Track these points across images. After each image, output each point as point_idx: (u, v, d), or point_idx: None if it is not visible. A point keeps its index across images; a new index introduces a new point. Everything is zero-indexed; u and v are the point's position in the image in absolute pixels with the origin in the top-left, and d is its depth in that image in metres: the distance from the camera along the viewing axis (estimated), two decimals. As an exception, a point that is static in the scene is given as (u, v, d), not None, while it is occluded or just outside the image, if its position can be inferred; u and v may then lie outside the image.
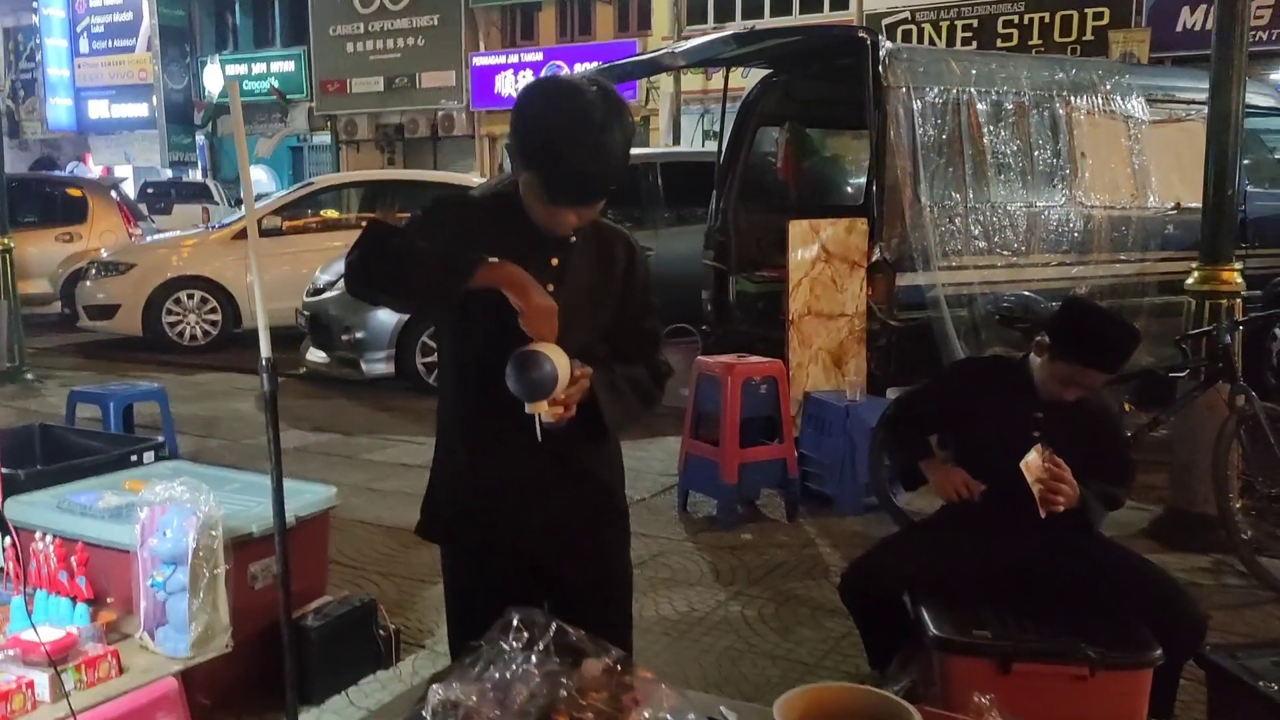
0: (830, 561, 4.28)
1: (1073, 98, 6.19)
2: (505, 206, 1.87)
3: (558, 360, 1.72)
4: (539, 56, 22.26)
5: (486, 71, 23.17)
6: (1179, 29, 16.76)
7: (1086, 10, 17.41)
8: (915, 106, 5.63)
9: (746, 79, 7.32)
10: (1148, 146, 6.43)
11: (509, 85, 22.75)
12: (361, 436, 6.55)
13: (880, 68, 5.52)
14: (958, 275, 5.74)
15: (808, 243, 5.20)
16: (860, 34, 5.58)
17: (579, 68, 20.97)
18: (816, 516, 4.86)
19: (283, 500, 2.63)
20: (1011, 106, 5.98)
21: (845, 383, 5.10)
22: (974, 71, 5.92)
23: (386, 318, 7.51)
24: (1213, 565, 4.16)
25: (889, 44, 5.67)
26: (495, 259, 1.74)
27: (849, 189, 7.78)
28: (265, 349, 2.59)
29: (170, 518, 2.71)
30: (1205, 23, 16.61)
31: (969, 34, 17.23)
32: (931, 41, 17.29)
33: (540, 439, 1.76)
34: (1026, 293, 6.02)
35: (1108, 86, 6.34)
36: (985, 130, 5.85)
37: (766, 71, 7.02)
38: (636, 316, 2.00)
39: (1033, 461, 2.53)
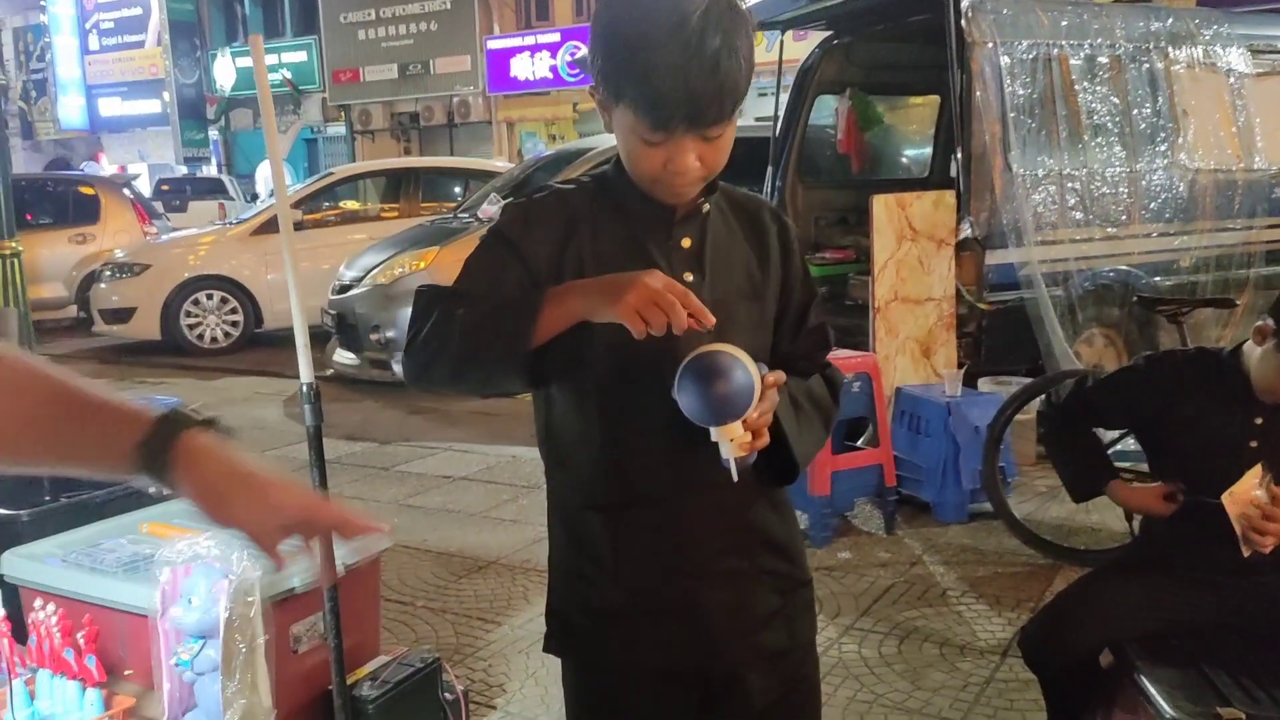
0: (945, 583, 3.75)
1: (1171, 49, 5.60)
2: (605, 187, 1.39)
3: (745, 361, 1.22)
4: (556, 37, 21.67)
5: (502, 55, 22.61)
6: (1225, -16, 16.01)
7: (1127, -33, 16.68)
8: (1003, 63, 5.05)
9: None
10: (1252, 102, 5.83)
11: (525, 68, 22.21)
12: (397, 445, 6.06)
13: (964, 21, 4.95)
14: (1052, 251, 5.18)
15: (893, 220, 4.64)
16: (939, -15, 5.00)
17: (598, 47, 20.41)
18: (915, 526, 4.33)
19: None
20: (1106, 60, 5.40)
21: (942, 375, 4.55)
22: (1064, 23, 5.33)
23: (419, 314, 7.02)
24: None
25: (970, -6, 5.09)
26: (558, 287, 1.27)
27: (916, 161, 7.22)
28: (306, 373, 2.08)
29: (196, 581, 2.21)
30: (1254, -25, 15.88)
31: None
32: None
33: (736, 479, 1.25)
34: (1126, 267, 5.45)
35: (1207, 36, 5.73)
36: (1079, 88, 5.27)
37: (825, 35, 6.45)
38: (802, 309, 1.48)
39: (1239, 491, 2.01)
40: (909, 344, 4.77)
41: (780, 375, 1.28)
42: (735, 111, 1.28)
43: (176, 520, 2.92)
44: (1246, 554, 2.01)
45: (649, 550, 1.37)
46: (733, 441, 1.23)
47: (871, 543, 4.17)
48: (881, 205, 4.61)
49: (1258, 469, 2.03)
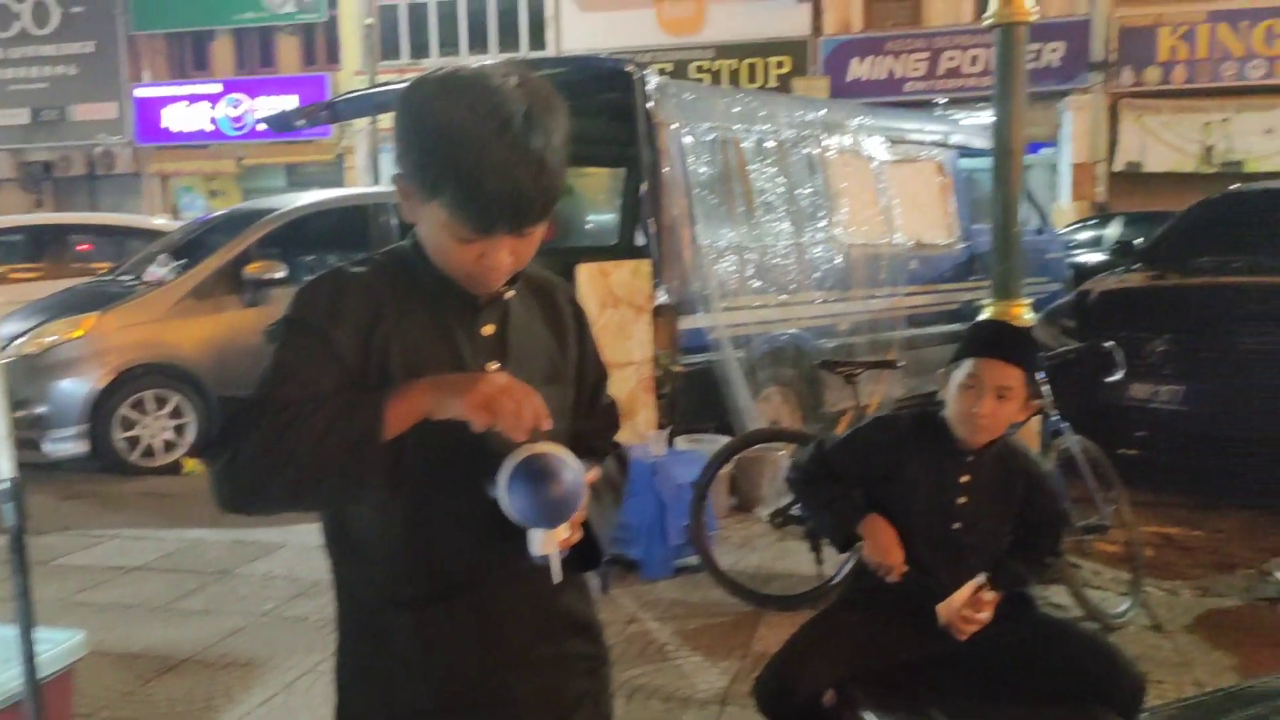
0: (661, 638, 3.89)
1: (824, 137, 6.27)
2: (406, 271, 1.35)
3: (572, 461, 1.24)
4: (217, 88, 20.60)
5: (152, 104, 21.14)
6: (849, 79, 18.22)
7: (770, 59, 18.53)
8: (686, 142, 5.43)
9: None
10: (891, 185, 6.65)
11: (181, 119, 20.89)
12: (54, 535, 5.38)
13: (650, 103, 5.26)
14: (735, 316, 5.59)
15: (596, 288, 4.82)
16: (627, 68, 5.30)
17: (265, 100, 19.59)
18: (626, 585, 4.45)
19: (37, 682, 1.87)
20: (773, 145, 5.95)
21: (646, 436, 4.75)
22: (737, 109, 5.84)
23: (75, 387, 6.33)
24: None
25: (656, 78, 5.44)
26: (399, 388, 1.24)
27: (605, 228, 7.53)
28: (6, 466, 1.83)
29: None
30: (872, 72, 18.21)
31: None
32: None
33: (559, 578, 1.27)
34: (796, 330, 5.98)
35: (853, 126, 6.49)
36: (752, 168, 5.77)
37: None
38: (595, 387, 1.52)
39: (955, 602, 2.30)
40: (613, 407, 4.93)
41: (597, 472, 1.31)
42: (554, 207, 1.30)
43: None
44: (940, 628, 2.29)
45: (460, 644, 1.34)
46: (550, 539, 1.24)
47: (588, 604, 4.24)
48: (585, 274, 4.77)
49: (975, 581, 2.30)
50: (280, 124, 7.07)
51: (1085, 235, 13.74)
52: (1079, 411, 4.21)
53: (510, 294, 1.38)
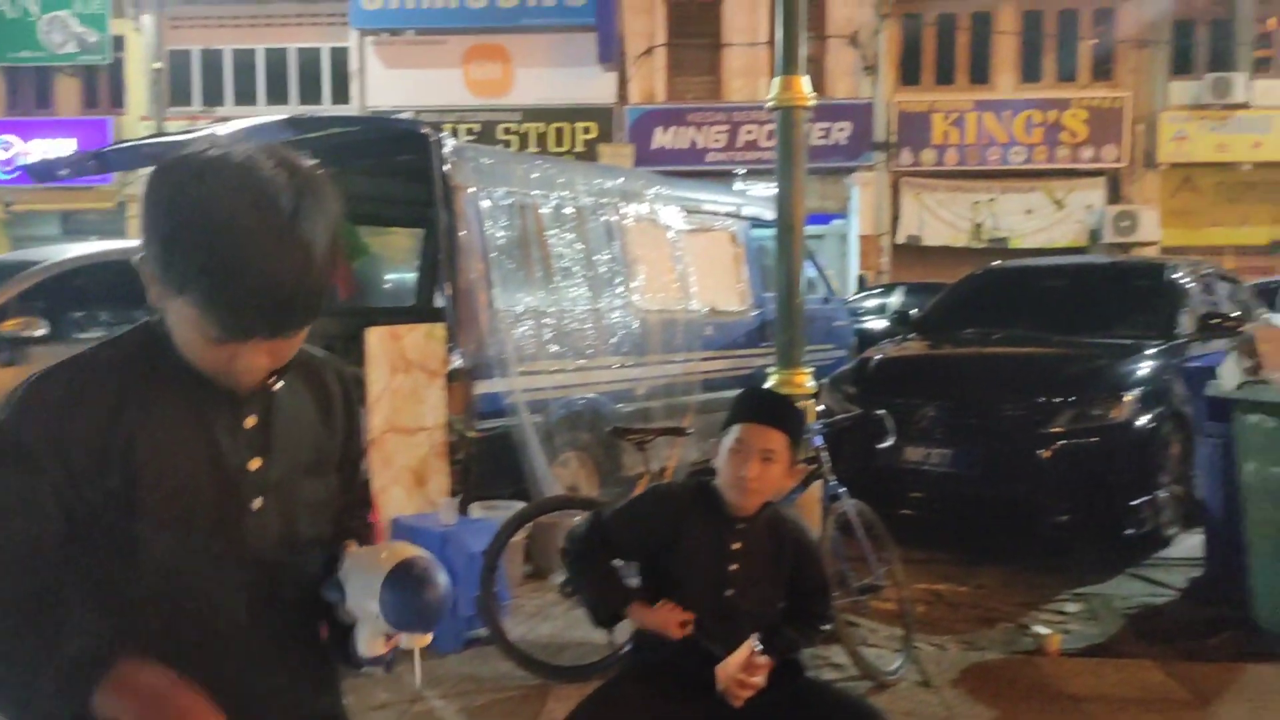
0: (446, 716, 3.76)
1: (621, 205, 6.40)
2: (156, 353, 1.23)
3: (434, 559, 1.26)
4: (-16, 129, 19.09)
5: (-93, 142, 19.35)
6: (653, 146, 18.77)
7: (577, 124, 18.86)
8: (484, 207, 5.42)
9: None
10: (687, 253, 6.84)
11: (-61, 161, 19.21)
12: None
13: (447, 166, 5.23)
14: (533, 380, 5.58)
15: (387, 352, 4.70)
16: (423, 130, 5.26)
17: (40, 144, 18.30)
18: (413, 660, 4.30)
19: None
20: (571, 211, 6.02)
21: (437, 504, 4.64)
22: (535, 175, 5.88)
23: None
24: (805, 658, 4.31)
25: (452, 141, 5.42)
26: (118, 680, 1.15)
27: (403, 288, 7.39)
28: None
29: None
30: (675, 141, 18.85)
31: (472, 138, 17.80)
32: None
33: (421, 680, 1.27)
34: (594, 395, 6.02)
35: (650, 195, 6.66)
36: (550, 234, 5.81)
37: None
38: (356, 465, 1.46)
39: (731, 665, 2.33)
40: (403, 474, 4.80)
41: None
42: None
43: None
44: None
45: None
46: (382, 642, 1.25)
47: (370, 684, 4.05)
48: (375, 338, 4.66)
49: (750, 641, 2.34)
50: (41, 173, 6.60)
51: (871, 303, 14.57)
52: (857, 475, 4.42)
53: (278, 385, 1.28)
